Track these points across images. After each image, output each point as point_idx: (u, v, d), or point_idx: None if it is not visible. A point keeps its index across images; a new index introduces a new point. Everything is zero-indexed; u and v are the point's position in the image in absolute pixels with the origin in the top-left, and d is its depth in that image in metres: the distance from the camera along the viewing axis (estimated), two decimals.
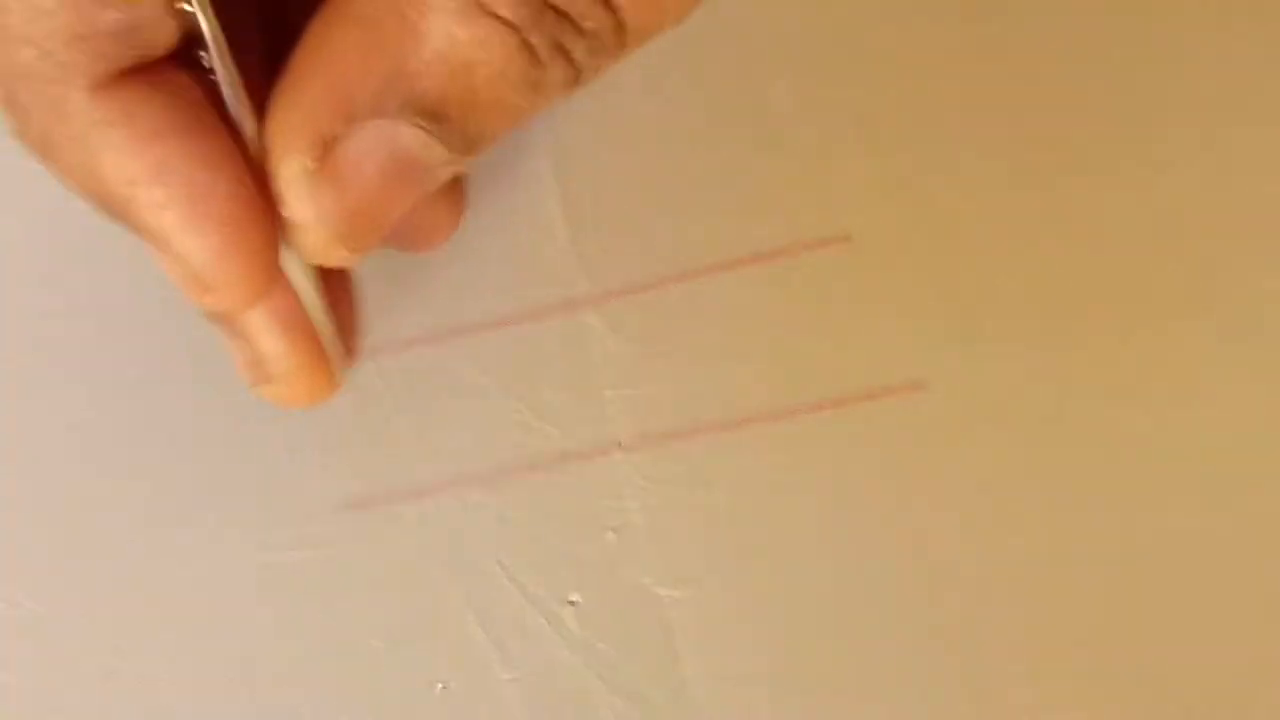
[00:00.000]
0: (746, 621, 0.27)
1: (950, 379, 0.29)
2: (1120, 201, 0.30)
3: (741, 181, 0.31)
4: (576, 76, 0.20)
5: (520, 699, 0.26)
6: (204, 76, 0.20)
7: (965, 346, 0.29)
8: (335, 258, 0.21)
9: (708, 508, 0.28)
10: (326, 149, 0.19)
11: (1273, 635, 0.27)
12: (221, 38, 0.19)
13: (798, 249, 0.30)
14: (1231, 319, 0.29)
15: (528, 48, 0.19)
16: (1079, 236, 0.30)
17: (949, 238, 0.30)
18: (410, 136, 0.19)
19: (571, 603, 0.27)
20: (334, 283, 0.23)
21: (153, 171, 0.19)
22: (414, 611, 0.27)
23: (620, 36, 0.20)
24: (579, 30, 0.19)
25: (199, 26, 0.19)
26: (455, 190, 0.26)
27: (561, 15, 0.19)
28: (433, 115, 0.19)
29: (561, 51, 0.19)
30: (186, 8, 0.19)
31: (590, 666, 0.26)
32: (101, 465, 0.28)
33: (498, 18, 0.18)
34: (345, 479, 0.28)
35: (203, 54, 0.19)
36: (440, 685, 0.26)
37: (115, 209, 0.20)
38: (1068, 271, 0.30)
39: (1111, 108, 0.31)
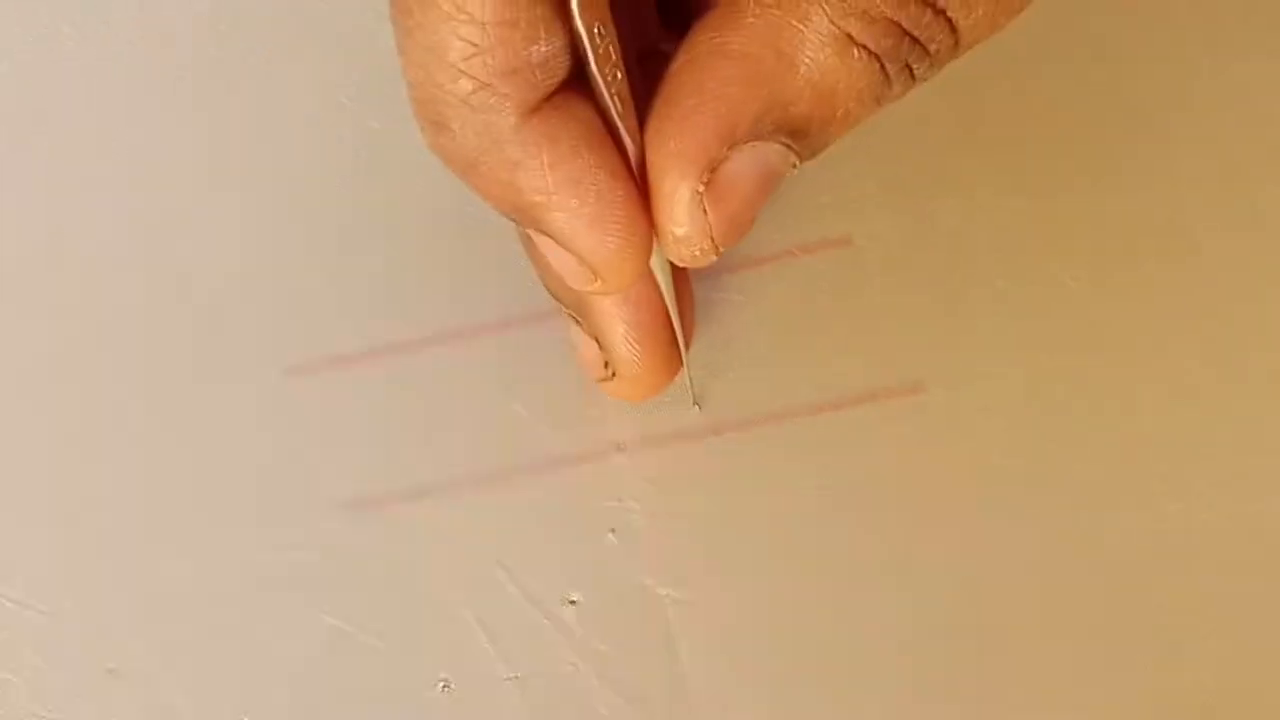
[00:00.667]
0: (746, 621, 0.27)
1: (948, 381, 0.29)
2: (1117, 206, 0.31)
3: None
4: (912, 85, 0.22)
5: (520, 698, 0.26)
6: (593, 98, 0.22)
7: (963, 349, 0.29)
8: (705, 260, 0.23)
9: (708, 508, 0.28)
10: (712, 172, 0.22)
11: (1273, 635, 0.27)
12: (621, 64, 0.22)
13: (797, 252, 0.30)
14: (1230, 320, 0.30)
15: (884, 71, 0.21)
16: (1076, 240, 0.30)
17: (947, 241, 0.30)
18: (776, 153, 0.22)
19: (572, 602, 0.27)
20: (677, 276, 0.26)
21: (569, 184, 0.22)
22: (414, 611, 0.27)
23: (954, 51, 0.22)
24: (925, 51, 0.22)
25: (598, 55, 0.22)
26: None
27: (914, 41, 0.21)
28: (796, 133, 0.22)
29: (907, 69, 0.22)
30: (586, 39, 0.21)
31: (590, 666, 0.26)
32: (102, 465, 0.28)
33: (865, 49, 0.21)
34: (345, 479, 0.28)
35: (597, 80, 0.22)
36: (441, 684, 0.26)
37: (528, 214, 0.23)
38: (1064, 274, 0.30)
39: (1108, 113, 0.32)
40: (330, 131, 0.32)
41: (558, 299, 0.27)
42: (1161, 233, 0.30)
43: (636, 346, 0.26)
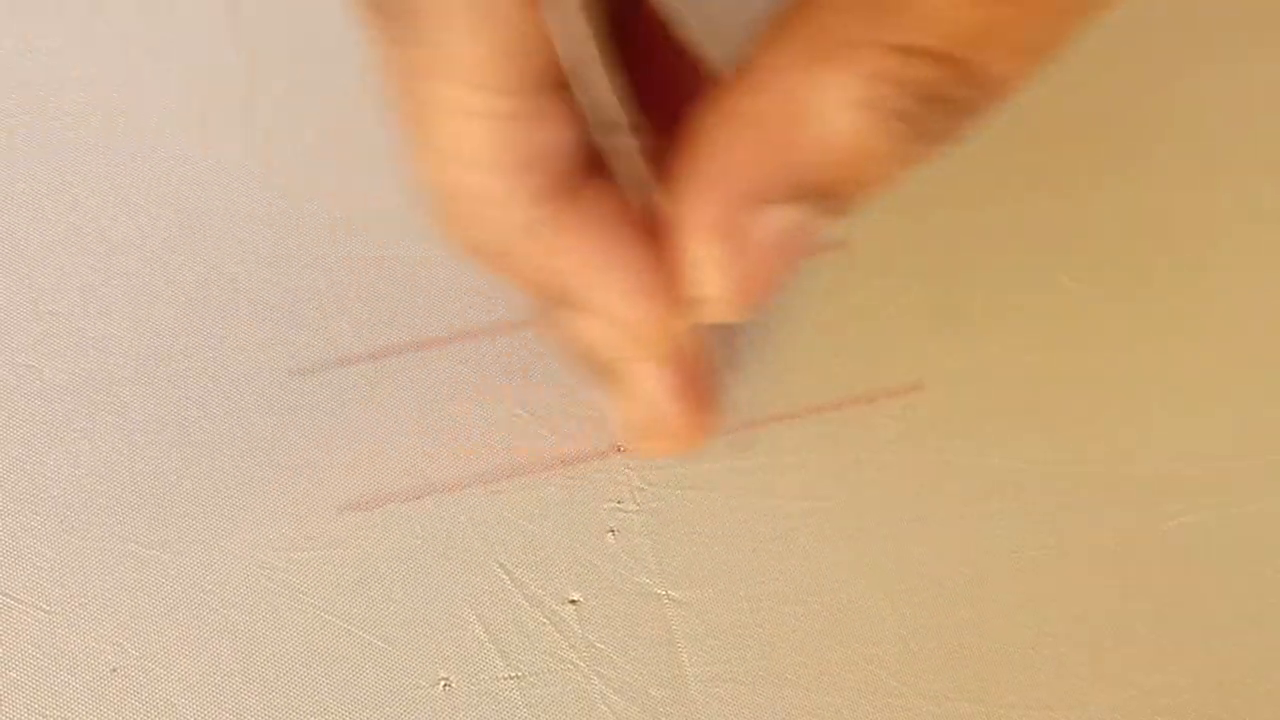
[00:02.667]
0: (746, 621, 0.27)
1: (947, 381, 0.29)
2: (1117, 206, 0.31)
3: None
4: (948, 139, 0.22)
5: (521, 697, 0.26)
6: (608, 168, 0.22)
7: (962, 349, 0.29)
8: (735, 318, 0.23)
9: (707, 509, 0.28)
10: (737, 237, 0.22)
11: (1273, 635, 0.27)
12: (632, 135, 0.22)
13: None
14: (1230, 320, 0.30)
15: (913, 131, 0.21)
16: (1075, 240, 0.30)
17: (945, 241, 0.31)
18: (802, 214, 0.22)
19: (572, 602, 0.27)
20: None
21: (600, 264, 0.22)
22: (415, 611, 0.27)
23: (989, 106, 0.21)
24: (955, 107, 0.21)
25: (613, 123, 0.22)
26: None
27: (943, 99, 0.20)
28: (823, 195, 0.21)
29: (939, 127, 0.21)
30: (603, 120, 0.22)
31: (591, 665, 0.26)
32: (102, 464, 0.28)
33: (889, 110, 0.20)
34: (345, 479, 0.28)
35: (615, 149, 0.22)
36: (441, 684, 0.26)
37: (558, 295, 0.23)
38: (1064, 274, 0.30)
39: (1108, 113, 0.32)
40: (331, 132, 0.32)
41: (588, 368, 0.26)
42: (1161, 233, 0.30)
43: (675, 404, 0.26)
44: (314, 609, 0.27)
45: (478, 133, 0.20)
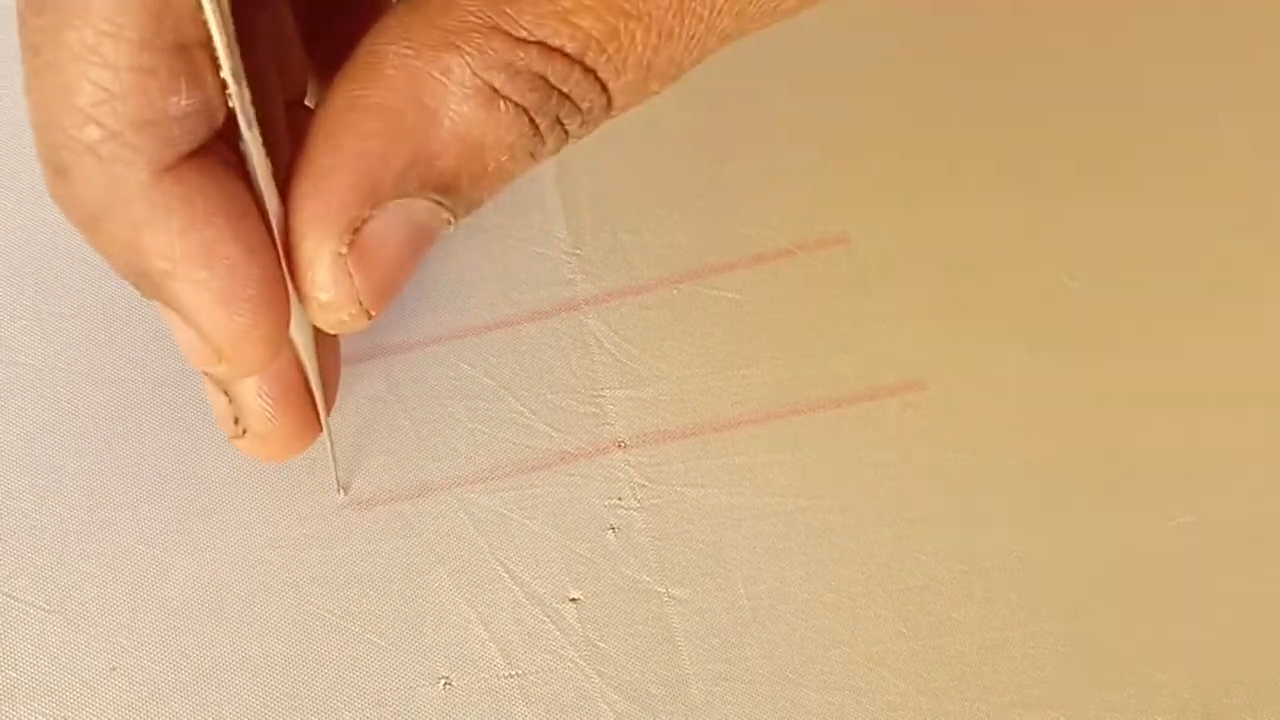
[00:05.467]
0: (746, 619, 0.27)
1: (947, 379, 0.29)
2: (1117, 206, 0.31)
3: (740, 184, 0.31)
4: (566, 142, 0.22)
5: (521, 695, 0.26)
6: (235, 163, 0.21)
7: (962, 347, 0.29)
8: (355, 326, 0.22)
9: (707, 507, 0.28)
10: (355, 233, 0.21)
11: (1273, 635, 0.27)
12: (256, 124, 0.20)
13: (796, 250, 0.30)
14: (1230, 320, 0.30)
15: (533, 125, 0.21)
16: (1076, 240, 0.30)
17: (946, 239, 0.31)
18: (425, 210, 0.21)
19: (572, 600, 0.27)
20: (321, 339, 0.25)
21: (199, 253, 0.20)
22: (416, 609, 0.27)
23: (608, 111, 0.21)
24: (576, 108, 0.21)
25: (238, 112, 0.20)
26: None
27: (564, 97, 0.20)
28: (446, 189, 0.21)
29: (559, 124, 0.21)
30: (231, 97, 0.20)
31: (591, 663, 0.26)
32: (103, 465, 0.28)
33: (511, 101, 0.20)
34: (346, 479, 0.28)
35: (246, 140, 0.20)
36: (442, 682, 0.26)
37: (148, 282, 0.21)
38: (1064, 274, 0.30)
39: (1108, 113, 0.32)
40: None
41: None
42: (1161, 233, 0.30)
43: (270, 403, 0.24)
44: (314, 608, 0.27)
45: (99, 80, 0.19)
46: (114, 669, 0.26)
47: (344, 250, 0.21)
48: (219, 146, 0.21)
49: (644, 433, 0.29)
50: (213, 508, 0.28)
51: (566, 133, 0.21)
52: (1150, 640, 0.27)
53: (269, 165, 0.21)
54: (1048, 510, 0.28)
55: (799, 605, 0.27)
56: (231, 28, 0.19)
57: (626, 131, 0.30)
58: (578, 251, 0.30)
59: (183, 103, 0.19)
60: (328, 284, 0.21)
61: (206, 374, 0.24)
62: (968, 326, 0.30)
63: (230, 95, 0.20)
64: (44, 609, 0.27)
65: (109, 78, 0.19)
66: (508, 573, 0.27)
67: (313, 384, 0.25)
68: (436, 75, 0.20)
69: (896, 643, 0.27)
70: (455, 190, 0.21)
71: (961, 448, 0.28)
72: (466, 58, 0.20)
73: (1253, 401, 0.29)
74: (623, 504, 0.28)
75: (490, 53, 0.20)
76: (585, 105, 0.21)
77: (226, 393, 0.25)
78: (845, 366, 0.29)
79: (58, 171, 0.20)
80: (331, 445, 0.27)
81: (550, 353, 0.29)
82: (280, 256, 0.21)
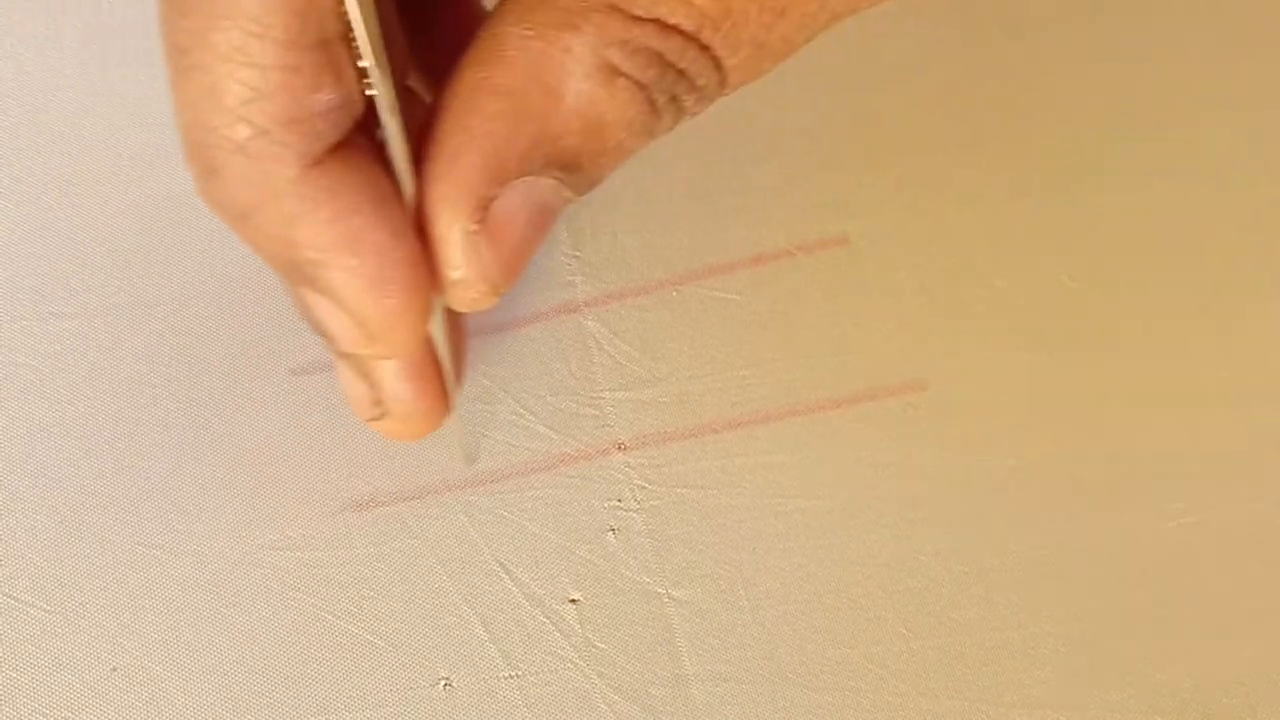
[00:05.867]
0: (746, 620, 0.27)
1: (948, 380, 0.29)
2: (1117, 206, 0.31)
3: (740, 185, 0.31)
4: (681, 119, 0.22)
5: (521, 696, 0.26)
6: (373, 151, 0.21)
7: (963, 347, 0.29)
8: (482, 305, 0.22)
9: (707, 508, 0.28)
10: (484, 211, 0.21)
11: (1273, 635, 0.27)
12: (398, 113, 0.21)
13: (796, 251, 0.30)
14: (1230, 320, 0.30)
15: (651, 102, 0.21)
16: (1076, 240, 0.30)
17: (946, 239, 0.30)
18: (549, 187, 0.21)
19: (572, 601, 0.27)
20: (453, 319, 0.26)
21: (349, 240, 0.21)
22: (416, 610, 0.27)
23: (722, 88, 0.22)
24: (692, 85, 0.21)
25: (379, 101, 0.20)
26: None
27: (680, 73, 0.21)
28: (568, 166, 0.21)
29: (675, 102, 0.21)
30: (370, 90, 0.20)
31: (591, 664, 0.26)
32: (103, 465, 0.28)
33: (630, 79, 0.21)
34: (346, 479, 0.28)
35: (390, 130, 0.21)
36: (442, 683, 0.26)
37: (302, 271, 0.21)
38: (1064, 274, 0.30)
39: (1108, 113, 0.32)
40: None
41: (319, 334, 0.24)
42: (1161, 233, 0.30)
43: (408, 384, 0.25)
44: (314, 608, 0.27)
45: (247, 80, 0.19)
46: (114, 669, 0.26)
47: (474, 228, 0.21)
48: (357, 139, 0.21)
49: (644, 434, 0.29)
50: (213, 509, 0.28)
51: (682, 109, 0.22)
52: (1150, 640, 0.27)
53: (407, 150, 0.21)
54: (1048, 510, 0.28)
55: (799, 606, 0.27)
56: (375, 21, 0.19)
57: None
58: (577, 253, 0.31)
59: (327, 97, 0.20)
60: (459, 261, 0.21)
61: (345, 360, 0.25)
62: (968, 327, 0.30)
63: (370, 85, 0.20)
64: (44, 609, 0.27)
65: (257, 77, 0.19)
66: (508, 574, 0.27)
67: (444, 363, 0.25)
68: (557, 55, 0.20)
69: (896, 643, 0.27)
70: (577, 168, 0.21)
71: (962, 448, 0.28)
72: (586, 37, 0.20)
73: (1253, 401, 0.29)
74: (622, 505, 0.28)
75: (609, 31, 0.20)
76: (701, 82, 0.21)
77: (365, 378, 0.25)
78: (845, 367, 0.29)
79: (208, 171, 0.20)
80: (461, 420, 0.28)
81: (550, 354, 0.29)
82: (421, 246, 0.22)
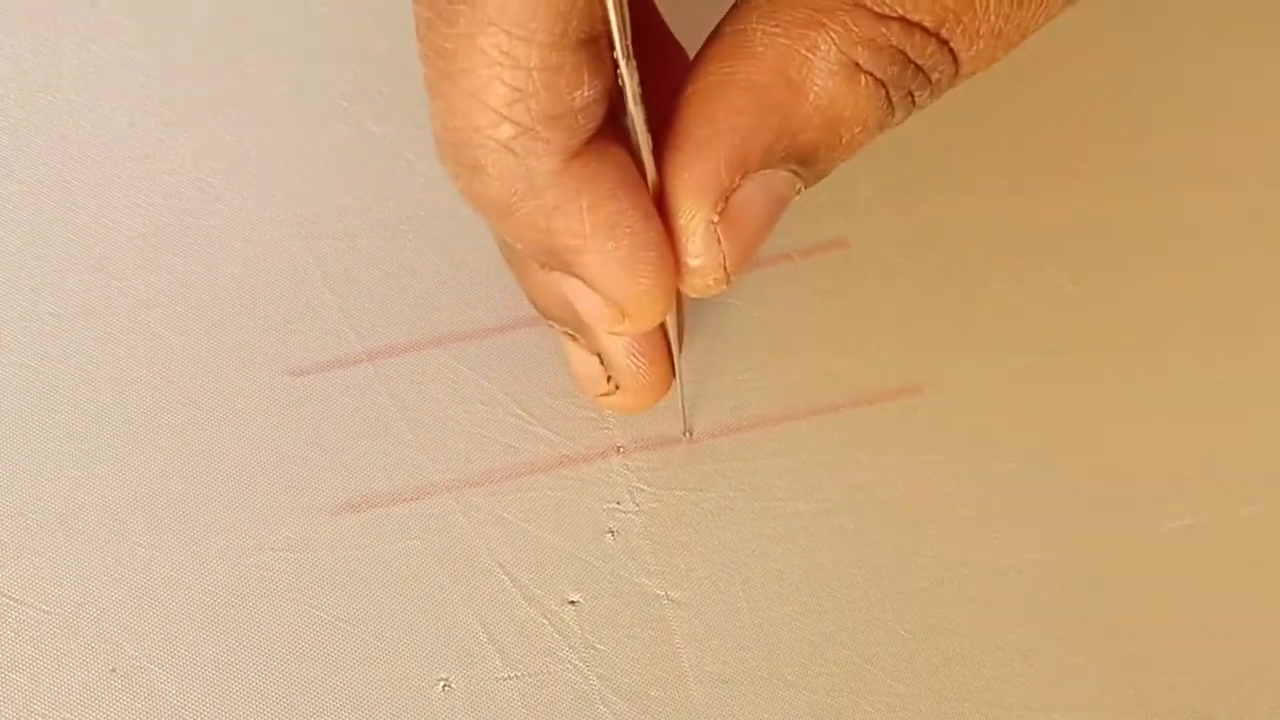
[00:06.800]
0: (745, 622, 0.27)
1: (945, 383, 0.29)
2: (1116, 206, 0.31)
3: None
4: (911, 112, 0.23)
5: (520, 698, 0.26)
6: (623, 139, 0.22)
7: (960, 350, 0.29)
8: (717, 290, 0.23)
9: (706, 510, 0.28)
10: (725, 202, 0.22)
11: (1272, 635, 0.27)
12: (644, 103, 0.21)
13: (794, 255, 0.31)
14: (1229, 320, 0.30)
15: (889, 98, 0.22)
16: (1074, 241, 0.30)
17: (944, 243, 0.31)
18: (784, 180, 0.22)
19: (571, 602, 0.27)
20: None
21: (606, 226, 0.22)
22: (415, 611, 0.27)
23: (954, 80, 0.22)
24: (927, 79, 0.22)
25: (628, 90, 0.21)
26: None
27: (918, 69, 0.21)
28: (804, 160, 0.22)
29: (909, 96, 0.22)
30: (621, 77, 0.21)
31: (590, 666, 0.26)
32: (103, 464, 0.28)
33: (872, 76, 0.21)
34: (345, 479, 0.28)
35: (636, 120, 0.21)
36: (441, 684, 0.26)
37: (561, 258, 0.22)
38: (1061, 276, 0.30)
39: (1108, 113, 0.32)
40: (329, 134, 0.33)
41: (552, 318, 0.26)
42: (1160, 233, 0.30)
43: (640, 360, 0.26)
44: (313, 609, 0.27)
45: (512, 81, 0.20)
46: (114, 669, 0.26)
47: (715, 218, 0.22)
48: (608, 128, 0.22)
49: (642, 437, 0.29)
50: (212, 509, 0.28)
51: (915, 103, 0.22)
52: (1149, 641, 0.27)
53: (649, 139, 0.22)
54: (1047, 512, 0.28)
55: (798, 608, 0.27)
56: (626, 13, 0.20)
57: None
58: None
59: (588, 93, 0.20)
60: (699, 250, 0.22)
61: (577, 340, 0.26)
62: (966, 330, 0.30)
63: (621, 75, 0.21)
64: (44, 610, 0.27)
65: (521, 78, 0.20)
66: (507, 575, 0.27)
67: (673, 341, 0.26)
68: (804, 52, 0.21)
69: (896, 645, 0.27)
70: (812, 161, 0.22)
71: (960, 450, 0.28)
72: (832, 34, 0.21)
73: (1251, 403, 0.29)
74: (621, 507, 0.28)
75: (855, 29, 0.21)
76: (935, 76, 0.22)
77: (598, 356, 0.26)
78: (844, 370, 0.29)
79: (471, 169, 0.21)
80: (682, 393, 0.28)
81: (549, 357, 0.30)
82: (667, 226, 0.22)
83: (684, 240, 0.22)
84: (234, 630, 0.27)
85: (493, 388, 0.29)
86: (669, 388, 0.27)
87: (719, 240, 0.22)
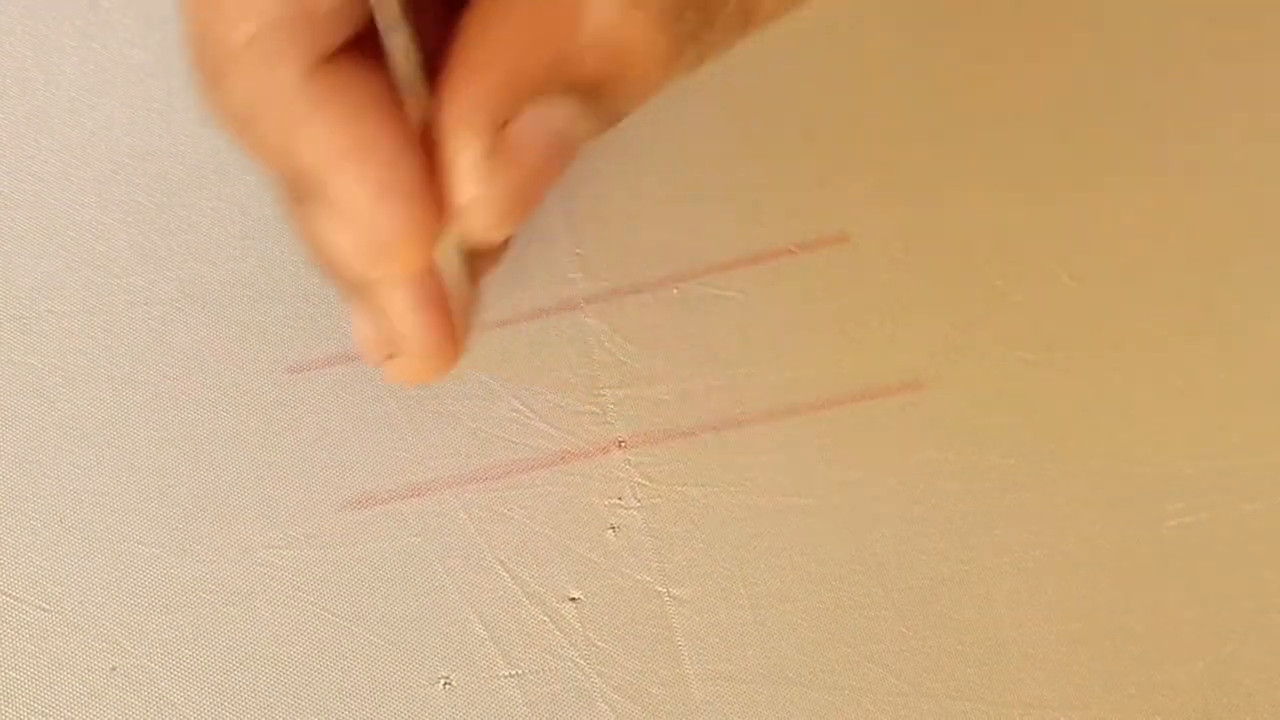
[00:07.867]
0: (746, 619, 0.27)
1: (946, 379, 0.29)
2: (1116, 206, 0.31)
3: (740, 183, 0.31)
4: (703, 57, 0.22)
5: (521, 695, 0.26)
6: (382, 59, 0.20)
7: (961, 347, 0.29)
8: (495, 234, 0.21)
9: (707, 506, 0.28)
10: (499, 132, 0.20)
11: (1272, 635, 0.27)
12: (405, 28, 0.20)
13: (795, 249, 0.30)
14: (1229, 320, 0.30)
15: (672, 35, 0.21)
16: (1075, 240, 0.30)
17: (945, 239, 0.30)
18: (567, 116, 0.21)
19: (572, 600, 0.27)
20: (469, 266, 0.24)
21: (355, 146, 0.20)
22: (416, 608, 0.27)
23: (745, 27, 0.22)
24: (710, 22, 0.21)
25: (376, 9, 0.20)
26: None
27: (701, 7, 0.21)
28: (587, 93, 0.21)
29: (694, 37, 0.21)
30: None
31: (591, 663, 0.26)
32: (103, 464, 0.28)
33: (649, 9, 0.20)
34: (346, 478, 0.28)
35: (387, 37, 0.20)
36: (442, 681, 0.26)
37: (307, 180, 0.20)
38: (1063, 273, 0.30)
39: (1108, 113, 0.32)
40: None
41: (330, 275, 0.24)
42: (1162, 233, 0.30)
43: (418, 315, 0.24)
44: (314, 607, 0.27)
45: None
46: (114, 669, 0.26)
47: (488, 148, 0.20)
48: (365, 44, 0.20)
49: (644, 432, 0.29)
50: (212, 508, 0.28)
51: (704, 45, 0.21)
52: (1150, 640, 0.27)
53: (413, 64, 0.20)
54: (1047, 509, 0.28)
55: (799, 605, 0.27)
56: None
57: (626, 132, 0.30)
58: (578, 250, 0.30)
59: (339, 1, 0.19)
60: (471, 183, 0.20)
61: (354, 297, 0.24)
62: (967, 326, 0.30)
63: None
64: (44, 609, 0.27)
65: None
66: (508, 572, 0.27)
67: (454, 294, 0.24)
68: None
69: (896, 643, 0.27)
70: (597, 95, 0.21)
71: (961, 447, 0.28)
72: None
73: (1252, 401, 0.29)
74: (623, 503, 0.28)
75: None
76: (720, 20, 0.21)
77: (374, 315, 0.24)
78: (845, 365, 0.29)
79: (212, 77, 0.20)
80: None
81: (550, 351, 0.29)
82: (430, 158, 0.21)
83: (454, 174, 0.20)
84: (234, 629, 0.27)
85: (494, 383, 0.29)
86: (455, 357, 0.25)
87: (493, 175, 0.20)
